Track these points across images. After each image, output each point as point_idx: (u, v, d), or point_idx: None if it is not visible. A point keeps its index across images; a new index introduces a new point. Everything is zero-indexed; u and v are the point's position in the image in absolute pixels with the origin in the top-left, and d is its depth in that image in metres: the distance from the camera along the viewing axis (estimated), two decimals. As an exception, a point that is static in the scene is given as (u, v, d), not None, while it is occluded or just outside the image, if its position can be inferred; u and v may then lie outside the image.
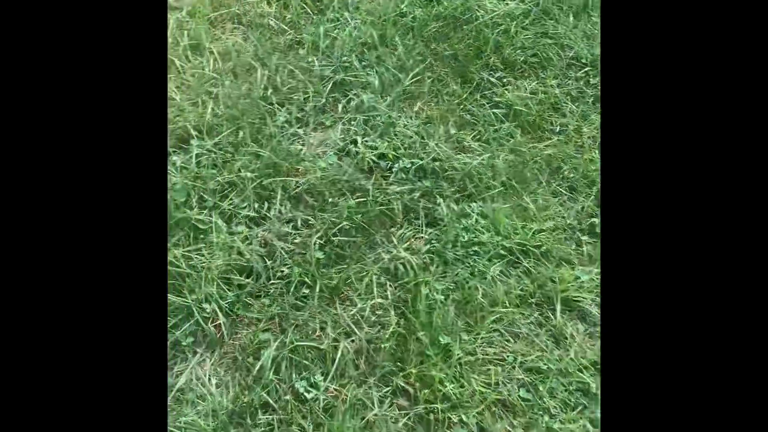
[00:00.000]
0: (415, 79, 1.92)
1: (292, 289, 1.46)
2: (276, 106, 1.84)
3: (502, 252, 1.55)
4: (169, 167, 1.67)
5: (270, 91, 1.87)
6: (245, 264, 1.49)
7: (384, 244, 1.56)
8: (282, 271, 1.49)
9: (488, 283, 1.49)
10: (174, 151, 1.73)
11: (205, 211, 1.59)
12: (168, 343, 1.39)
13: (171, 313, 1.42)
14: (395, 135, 1.78)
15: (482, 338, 1.42)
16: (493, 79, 1.94)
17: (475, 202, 1.65)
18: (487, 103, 1.88)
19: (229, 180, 1.64)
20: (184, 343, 1.39)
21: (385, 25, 2.05)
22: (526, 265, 1.54)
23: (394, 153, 1.72)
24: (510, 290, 1.49)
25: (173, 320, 1.42)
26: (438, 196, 1.65)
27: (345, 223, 1.56)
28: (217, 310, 1.42)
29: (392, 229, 1.59)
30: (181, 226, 1.56)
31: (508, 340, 1.43)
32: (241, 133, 1.75)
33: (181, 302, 1.43)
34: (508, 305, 1.47)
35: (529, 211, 1.63)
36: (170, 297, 1.43)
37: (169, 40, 1.97)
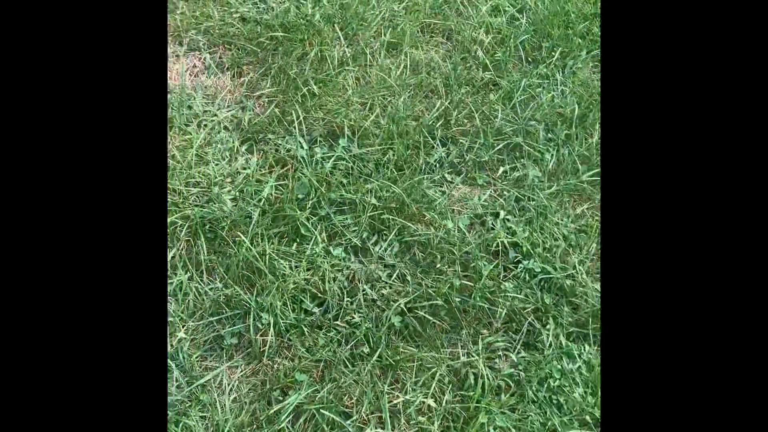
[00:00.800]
0: (594, 176, 1.68)
1: (352, 343, 1.34)
2: (438, 141, 1.70)
3: (588, 419, 1.31)
4: (306, 158, 1.61)
5: (440, 122, 1.73)
6: (320, 293, 1.39)
7: (466, 343, 1.38)
8: (352, 317, 1.37)
9: (555, 446, 1.27)
10: (320, 142, 1.66)
11: (314, 219, 1.51)
12: (212, 335, 1.34)
13: (230, 306, 1.36)
14: (542, 229, 1.57)
15: (516, 503, 1.21)
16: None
17: (590, 345, 1.41)
18: (660, 241, 1.60)
19: (351, 198, 1.54)
20: (226, 342, 1.33)
21: (594, 104, 1.82)
22: (609, 448, 1.28)
23: (529, 248, 1.52)
24: (575, 467, 1.26)
25: (229, 312, 1.36)
26: (551, 320, 1.43)
27: (439, 300, 1.40)
28: (272, 326, 1.33)
29: (483, 331, 1.40)
30: (285, 222, 1.49)
31: None
32: (390, 154, 1.64)
33: (246, 300, 1.36)
34: (564, 482, 1.24)
35: (644, 388, 1.36)
36: (237, 289, 1.37)
37: (372, 30, 1.89)
